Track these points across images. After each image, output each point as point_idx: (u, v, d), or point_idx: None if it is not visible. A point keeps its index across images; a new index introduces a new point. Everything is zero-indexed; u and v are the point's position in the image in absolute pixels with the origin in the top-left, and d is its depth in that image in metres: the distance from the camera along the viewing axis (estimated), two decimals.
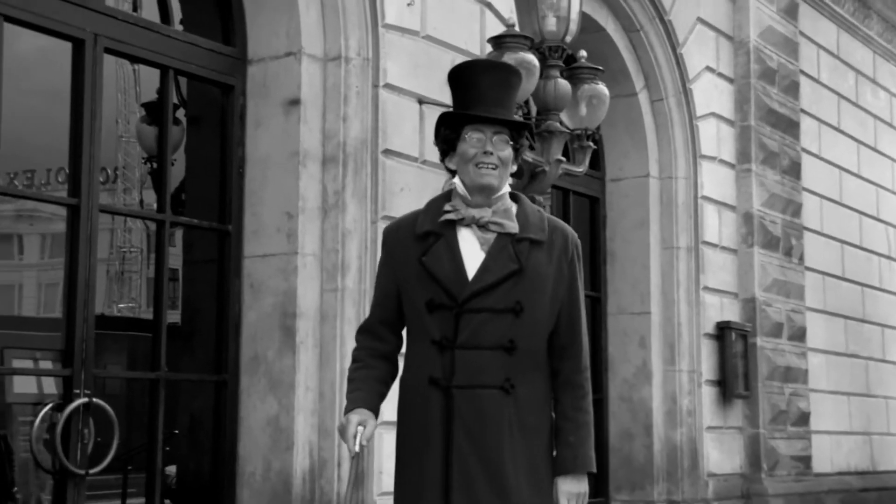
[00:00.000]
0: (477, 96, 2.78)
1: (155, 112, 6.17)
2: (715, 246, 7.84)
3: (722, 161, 8.01)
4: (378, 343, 2.88)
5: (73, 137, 4.55)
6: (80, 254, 4.45)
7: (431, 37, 5.49)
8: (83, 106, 4.53)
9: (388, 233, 2.93)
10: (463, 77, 2.83)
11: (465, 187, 2.80)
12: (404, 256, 2.81)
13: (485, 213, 2.77)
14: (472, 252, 2.77)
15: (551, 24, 5.41)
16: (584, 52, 5.90)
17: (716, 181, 7.89)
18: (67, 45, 4.56)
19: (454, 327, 2.72)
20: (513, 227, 2.77)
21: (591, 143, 5.87)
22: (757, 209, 8.16)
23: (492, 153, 2.75)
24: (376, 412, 2.78)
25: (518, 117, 2.86)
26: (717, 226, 7.89)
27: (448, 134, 2.82)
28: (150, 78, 5.55)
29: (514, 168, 2.84)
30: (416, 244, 2.79)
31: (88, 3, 4.60)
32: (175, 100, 5.47)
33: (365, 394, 2.79)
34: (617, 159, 7.63)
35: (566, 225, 2.88)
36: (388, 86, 5.23)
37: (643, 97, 7.54)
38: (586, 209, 7.59)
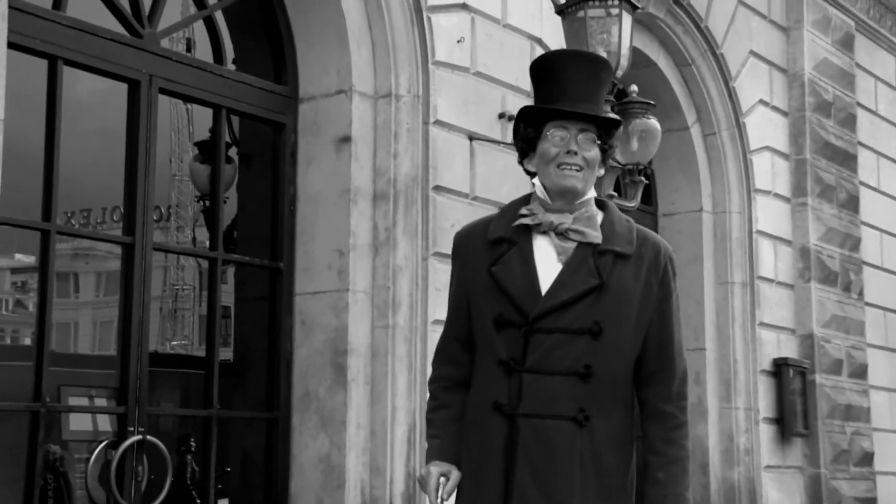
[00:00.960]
0: (561, 90, 2.49)
1: (208, 151, 6.27)
2: (771, 281, 7.75)
3: (777, 195, 7.94)
4: (453, 369, 2.60)
5: (128, 176, 4.63)
6: (134, 291, 4.52)
7: (481, 73, 5.53)
8: (138, 145, 4.62)
9: (458, 239, 2.65)
10: (546, 68, 2.55)
11: (546, 190, 2.52)
12: (474, 265, 2.54)
13: (565, 220, 2.48)
14: (547, 263, 2.48)
15: None
16: (635, 87, 5.90)
17: (771, 215, 7.81)
18: (123, 86, 4.66)
19: (523, 348, 2.43)
20: (596, 236, 2.48)
21: (643, 178, 5.85)
22: (814, 244, 8.06)
23: (576, 153, 2.46)
24: (458, 460, 2.52)
25: (609, 114, 2.63)
26: (773, 261, 7.80)
27: (528, 132, 2.53)
28: (203, 117, 5.65)
29: (603, 171, 2.57)
30: (488, 252, 2.52)
31: (144, 45, 4.70)
32: (227, 138, 5.56)
33: (444, 441, 2.54)
34: (669, 194, 7.60)
35: (659, 237, 2.60)
36: (438, 122, 5.27)
37: (695, 131, 7.51)
38: None
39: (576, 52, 2.78)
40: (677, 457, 2.49)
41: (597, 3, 5.34)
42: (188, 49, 6.40)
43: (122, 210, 4.81)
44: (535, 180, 2.56)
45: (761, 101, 7.87)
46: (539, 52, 5.87)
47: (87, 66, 4.49)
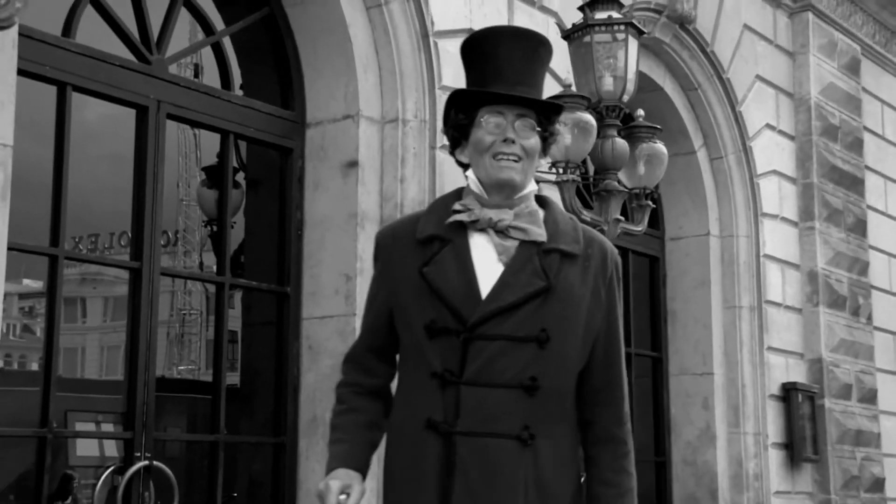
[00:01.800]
0: (495, 71, 2.24)
1: (215, 176, 6.29)
2: (779, 305, 7.73)
3: (784, 219, 7.93)
4: (365, 377, 2.34)
5: (135, 201, 4.65)
6: (141, 316, 4.53)
7: None
8: (146, 171, 4.64)
9: (381, 238, 2.39)
10: (478, 48, 2.29)
11: (481, 184, 2.26)
12: (400, 266, 2.27)
13: (505, 216, 2.23)
14: (486, 263, 2.22)
15: (608, 83, 5.44)
16: (641, 111, 5.92)
17: (778, 239, 7.81)
18: (131, 112, 4.69)
19: (461, 357, 2.16)
20: (540, 234, 2.23)
21: (650, 202, 5.85)
22: (822, 268, 8.05)
23: (513, 141, 2.21)
24: (365, 470, 2.27)
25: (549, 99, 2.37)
26: (781, 285, 7.79)
27: (459, 118, 2.28)
28: (210, 142, 5.68)
29: (543, 162, 2.37)
30: (417, 251, 2.25)
31: (152, 71, 4.73)
32: (235, 163, 5.58)
33: (350, 447, 2.28)
34: (676, 218, 7.60)
35: (604, 237, 2.36)
36: (445, 147, 5.28)
37: (702, 155, 7.52)
38: (646, 268, 7.55)
39: (511, 29, 2.42)
40: (628, 487, 2.27)
41: (603, 29, 5.36)
42: (196, 75, 6.44)
43: (130, 235, 4.82)
44: (469, 173, 2.31)
45: (768, 126, 7.88)
46: (546, 78, 5.88)
47: (96, 92, 4.52)
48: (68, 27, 4.48)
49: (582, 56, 5.42)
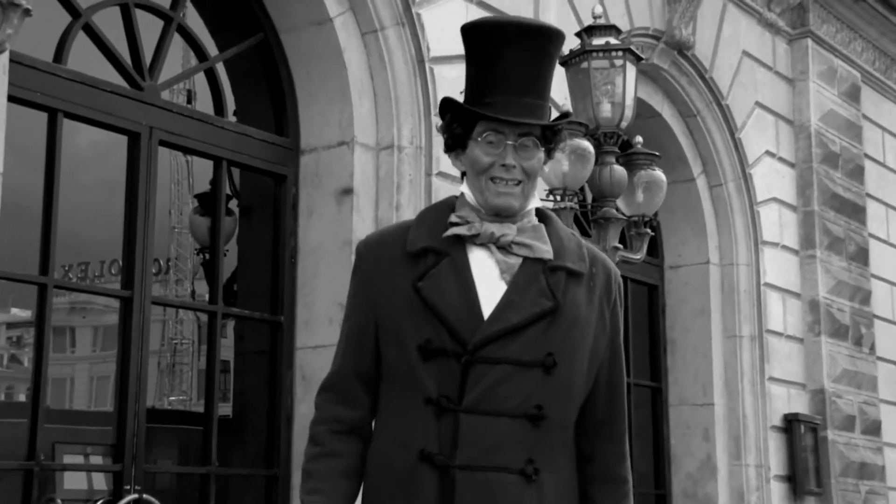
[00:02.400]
0: (499, 78, 2.07)
1: (208, 203, 6.30)
2: (780, 335, 7.73)
3: (785, 247, 7.95)
4: (345, 409, 2.12)
5: (126, 229, 4.65)
6: (132, 346, 4.52)
7: None
8: (137, 198, 4.64)
9: (365, 248, 2.19)
10: (482, 42, 2.11)
11: (477, 202, 2.12)
12: (388, 281, 2.10)
13: (508, 231, 2.08)
14: (489, 280, 2.07)
15: (606, 110, 5.46)
16: (639, 138, 5.94)
17: (779, 268, 7.82)
18: (123, 138, 4.70)
19: (460, 382, 2.01)
20: (546, 251, 2.09)
21: (649, 230, 5.86)
22: (823, 297, 8.05)
23: (514, 166, 2.07)
24: None
25: (557, 110, 2.28)
26: (782, 314, 7.79)
27: (454, 128, 2.13)
28: (203, 169, 5.69)
29: (547, 169, 2.25)
30: (408, 265, 2.08)
31: (144, 98, 4.74)
32: (228, 190, 5.59)
33: (327, 499, 2.07)
34: (675, 246, 7.61)
35: (606, 257, 2.24)
36: (441, 174, 5.30)
37: (701, 183, 7.54)
38: (645, 297, 7.55)
39: (518, 24, 2.14)
40: None
41: (600, 55, 5.39)
42: (189, 101, 6.46)
43: (121, 263, 4.82)
44: (463, 186, 2.15)
45: (768, 153, 7.91)
46: None
47: (88, 118, 4.53)
48: (60, 53, 4.49)
49: (579, 82, 5.44)
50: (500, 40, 2.08)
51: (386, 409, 2.11)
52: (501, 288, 2.07)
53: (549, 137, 2.12)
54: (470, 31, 2.14)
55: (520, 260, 2.09)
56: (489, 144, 2.07)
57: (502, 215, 2.09)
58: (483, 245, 2.10)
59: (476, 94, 2.10)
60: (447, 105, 2.14)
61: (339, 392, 2.15)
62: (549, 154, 2.14)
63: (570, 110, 2.26)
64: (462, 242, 2.10)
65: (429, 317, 2.04)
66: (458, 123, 2.12)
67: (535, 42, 2.09)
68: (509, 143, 2.07)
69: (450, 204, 2.17)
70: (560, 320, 2.06)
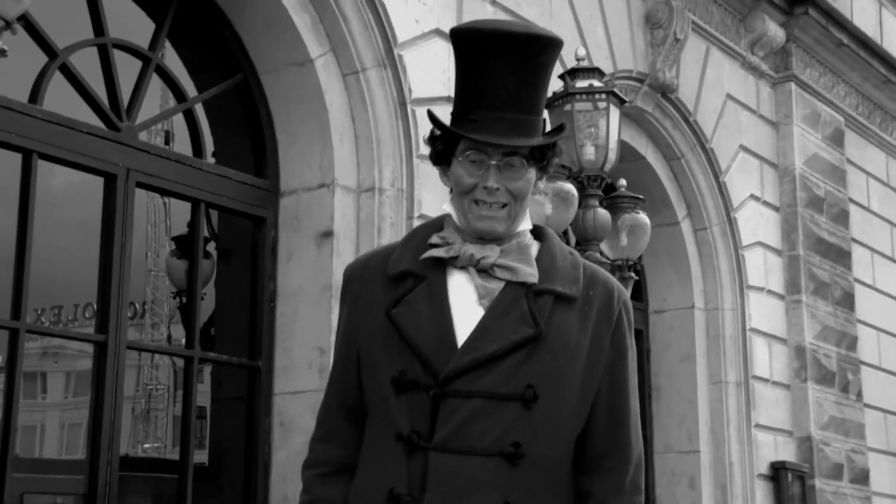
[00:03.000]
0: (484, 92, 1.94)
1: (185, 245, 6.29)
2: (766, 381, 7.74)
3: (770, 292, 7.98)
4: (335, 448, 2.05)
5: (102, 272, 4.63)
6: (105, 392, 4.48)
7: None
8: (113, 240, 4.62)
9: (351, 273, 2.09)
10: (470, 49, 1.97)
11: (460, 222, 2.00)
12: (368, 307, 2.00)
13: (490, 252, 1.96)
14: (465, 306, 1.95)
15: (589, 152, 5.50)
16: (623, 181, 5.97)
17: (764, 313, 7.84)
18: (99, 180, 4.69)
19: (431, 417, 1.90)
20: (530, 274, 1.95)
21: (633, 274, 5.88)
22: (809, 342, 8.07)
23: (497, 188, 1.94)
24: None
25: (548, 130, 2.03)
26: (768, 359, 7.80)
27: (437, 147, 2.02)
28: (181, 211, 5.68)
29: (541, 186, 2.04)
30: (387, 289, 1.99)
31: (121, 139, 4.74)
32: (206, 233, 5.58)
33: None
34: (660, 290, 7.63)
35: (612, 277, 2.10)
36: (423, 216, 5.30)
37: (686, 226, 7.58)
38: None
39: (508, 32, 1.96)
40: None
41: (584, 97, 5.43)
42: (167, 142, 6.46)
43: (96, 307, 4.79)
44: (447, 205, 2.04)
45: (752, 196, 7.96)
46: None
47: (63, 159, 4.53)
48: (35, 94, 4.49)
49: (562, 124, 5.48)
50: (486, 49, 1.94)
51: (365, 446, 2.01)
52: (479, 314, 1.94)
53: (541, 155, 1.99)
54: (457, 38, 2.00)
55: (501, 284, 1.96)
56: (472, 164, 1.96)
57: (486, 239, 1.98)
58: (463, 268, 1.97)
59: (460, 108, 1.98)
60: (431, 119, 2.04)
61: (325, 429, 2.09)
62: (544, 170, 2.03)
63: (565, 123, 2.05)
64: (443, 265, 1.98)
65: (402, 346, 1.93)
66: (441, 140, 2.01)
67: (525, 51, 1.94)
68: (493, 163, 1.94)
69: (438, 223, 2.06)
70: (543, 349, 1.92)
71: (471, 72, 1.97)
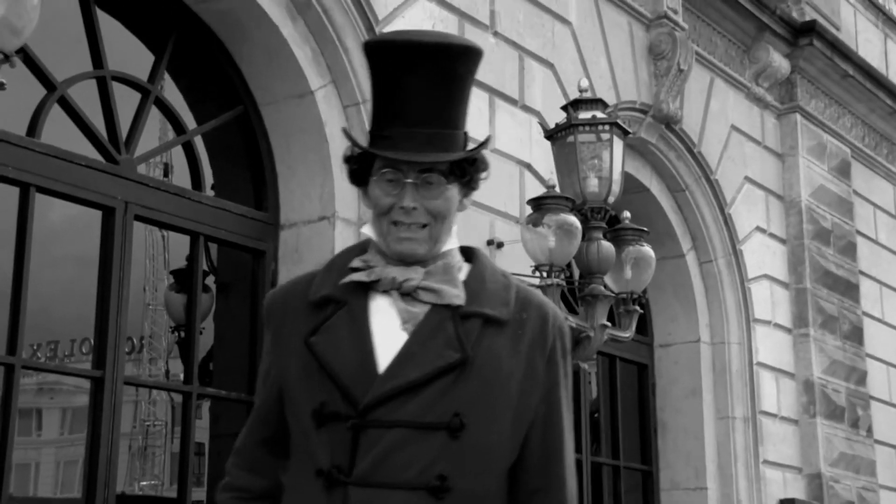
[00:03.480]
0: (398, 107, 1.88)
1: (184, 279, 6.29)
2: (774, 416, 7.71)
3: (777, 325, 7.96)
4: (255, 478, 1.98)
5: (99, 306, 4.63)
6: (102, 428, 4.47)
7: None
8: (111, 274, 4.63)
9: (271, 302, 2.02)
10: (380, 66, 1.91)
11: (381, 245, 1.93)
12: (289, 336, 1.92)
13: (413, 275, 1.88)
14: (387, 332, 1.87)
15: (593, 184, 5.51)
16: (627, 213, 5.98)
17: (772, 346, 7.82)
18: (97, 213, 4.70)
19: (351, 450, 1.81)
20: (456, 295, 1.87)
21: (638, 308, 5.87)
22: (818, 377, 8.05)
23: (414, 208, 1.87)
24: None
25: (470, 142, 1.96)
26: (776, 394, 7.77)
27: (352, 167, 1.96)
28: (179, 244, 5.69)
29: (467, 206, 1.98)
30: (309, 317, 1.91)
31: (120, 171, 4.76)
32: (205, 266, 5.58)
33: None
34: (665, 324, 7.61)
35: (547, 300, 2.00)
36: None
37: (691, 259, 7.58)
38: (634, 376, 7.53)
39: (418, 45, 1.89)
40: None
41: (587, 129, 5.45)
42: (165, 174, 6.48)
43: (93, 342, 4.79)
44: (365, 229, 1.97)
45: (758, 228, 7.97)
46: (528, 177, 5.96)
47: (61, 193, 4.54)
48: (34, 127, 4.51)
49: (565, 156, 5.50)
50: (398, 62, 1.87)
51: (287, 485, 1.92)
52: (402, 339, 1.85)
53: (462, 170, 1.91)
54: (368, 52, 1.94)
55: (426, 308, 1.87)
56: (388, 183, 1.88)
57: (408, 261, 1.89)
58: (386, 292, 1.89)
59: (375, 125, 1.92)
60: (347, 137, 1.98)
61: (247, 458, 2.02)
62: (469, 186, 1.95)
63: (490, 135, 1.93)
64: (365, 290, 1.90)
65: (322, 376, 1.84)
66: (356, 159, 1.94)
67: (439, 62, 1.87)
68: (409, 181, 1.87)
69: (362, 246, 1.98)
70: (471, 375, 1.83)
71: (384, 87, 1.90)
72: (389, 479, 1.78)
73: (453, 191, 1.91)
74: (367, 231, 1.95)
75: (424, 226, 1.88)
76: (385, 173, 1.88)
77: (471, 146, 1.96)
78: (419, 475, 1.78)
